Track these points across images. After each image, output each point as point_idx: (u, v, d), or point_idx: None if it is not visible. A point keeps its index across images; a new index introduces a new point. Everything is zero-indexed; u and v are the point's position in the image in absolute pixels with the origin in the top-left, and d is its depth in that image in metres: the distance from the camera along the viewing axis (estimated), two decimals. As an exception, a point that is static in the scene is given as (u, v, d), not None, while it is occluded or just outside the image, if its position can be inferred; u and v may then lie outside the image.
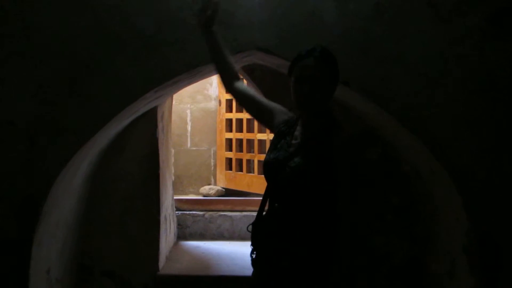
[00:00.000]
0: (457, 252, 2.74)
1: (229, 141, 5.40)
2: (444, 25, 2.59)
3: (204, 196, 5.31)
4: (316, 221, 1.92)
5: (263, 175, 2.10)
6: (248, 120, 5.13)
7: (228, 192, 5.31)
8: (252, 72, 3.37)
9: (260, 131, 4.99)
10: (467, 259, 2.64)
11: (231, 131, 5.36)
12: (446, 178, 2.64)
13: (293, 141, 2.02)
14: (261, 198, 2.12)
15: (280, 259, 1.95)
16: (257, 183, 4.88)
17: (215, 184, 5.60)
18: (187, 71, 2.66)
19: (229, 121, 5.39)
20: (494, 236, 2.56)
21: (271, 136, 4.82)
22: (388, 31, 2.60)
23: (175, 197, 4.56)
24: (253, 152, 5.09)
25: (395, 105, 2.64)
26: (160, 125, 3.48)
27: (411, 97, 2.62)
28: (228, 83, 2.25)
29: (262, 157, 4.85)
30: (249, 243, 2.10)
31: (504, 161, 2.58)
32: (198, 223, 4.68)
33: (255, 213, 2.11)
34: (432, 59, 2.60)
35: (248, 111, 2.31)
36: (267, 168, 2.04)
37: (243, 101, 2.27)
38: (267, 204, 2.07)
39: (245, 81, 2.84)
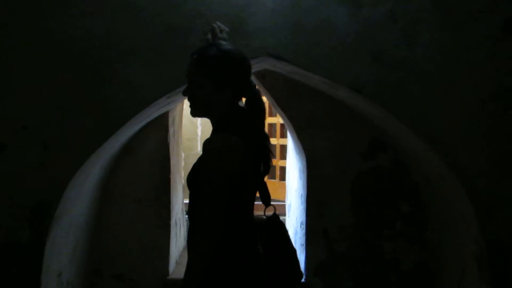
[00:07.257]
0: (467, 260, 2.74)
1: (238, 145, 5.38)
2: (456, 32, 2.59)
3: (213, 200, 5.29)
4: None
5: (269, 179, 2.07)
6: (258, 124, 5.12)
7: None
8: (263, 78, 3.38)
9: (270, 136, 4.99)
10: (477, 267, 2.63)
11: (240, 135, 5.35)
12: (457, 185, 2.63)
13: None
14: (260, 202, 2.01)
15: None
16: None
17: (224, 188, 5.58)
18: (199, 77, 2.67)
19: (238, 125, 5.38)
20: (505, 245, 2.55)
21: (281, 141, 4.84)
22: (401, 38, 2.60)
23: (185, 201, 4.56)
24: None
25: (407, 112, 2.64)
26: (171, 130, 3.50)
27: (422, 104, 2.62)
28: None
29: (278, 162, 4.88)
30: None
31: (515, 170, 2.58)
32: (208, 227, 4.67)
33: (262, 216, 2.02)
34: (444, 66, 2.60)
35: None
36: None
37: None
38: None
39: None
